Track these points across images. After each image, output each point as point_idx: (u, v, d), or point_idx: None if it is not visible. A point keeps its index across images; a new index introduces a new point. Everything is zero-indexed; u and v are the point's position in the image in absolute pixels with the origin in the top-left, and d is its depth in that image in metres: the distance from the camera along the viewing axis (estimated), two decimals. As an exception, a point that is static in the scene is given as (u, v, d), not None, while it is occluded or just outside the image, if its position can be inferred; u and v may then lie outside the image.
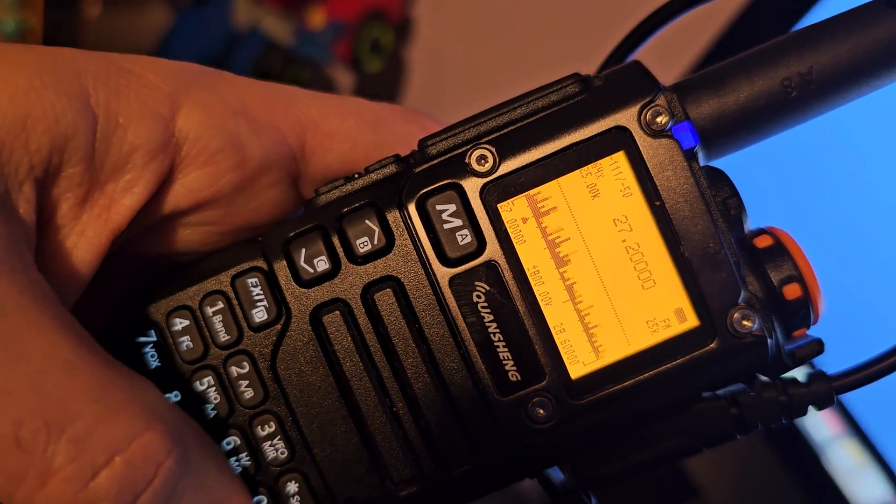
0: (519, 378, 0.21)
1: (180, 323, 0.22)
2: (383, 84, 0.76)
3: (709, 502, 0.60)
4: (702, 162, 0.21)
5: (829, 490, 0.53)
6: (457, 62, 0.74)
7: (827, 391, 0.22)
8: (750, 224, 0.22)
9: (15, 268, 0.18)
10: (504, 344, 0.21)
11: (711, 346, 0.21)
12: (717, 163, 0.22)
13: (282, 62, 0.77)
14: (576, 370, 0.21)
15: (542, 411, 0.21)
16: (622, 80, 0.21)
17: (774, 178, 0.47)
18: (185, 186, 0.22)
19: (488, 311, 0.21)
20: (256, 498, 0.22)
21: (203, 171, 0.21)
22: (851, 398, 0.53)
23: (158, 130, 0.21)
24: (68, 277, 0.20)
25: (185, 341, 0.22)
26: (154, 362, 0.22)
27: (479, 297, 0.21)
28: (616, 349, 0.21)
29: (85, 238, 0.21)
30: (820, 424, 0.55)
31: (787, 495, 0.58)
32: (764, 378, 0.22)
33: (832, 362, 0.22)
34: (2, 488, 0.18)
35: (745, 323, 0.20)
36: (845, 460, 0.53)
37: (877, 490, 0.52)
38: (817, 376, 0.22)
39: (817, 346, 0.22)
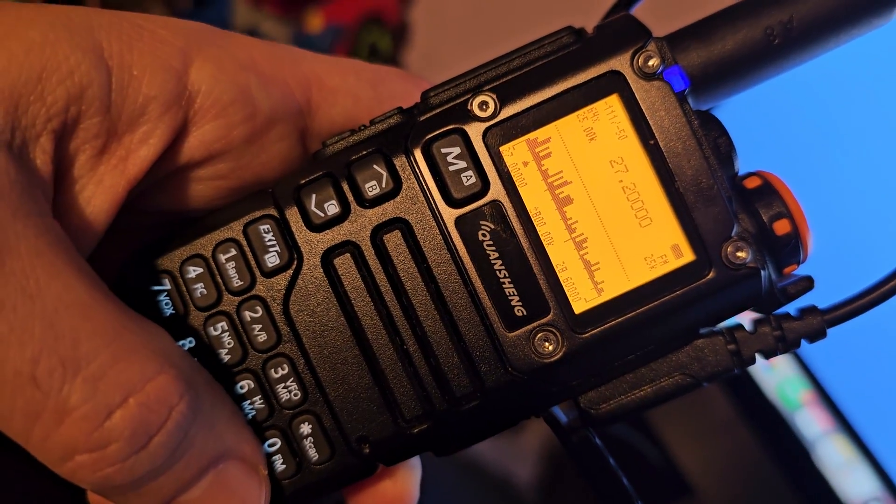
0: (525, 313, 0.22)
1: (194, 271, 0.23)
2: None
3: (700, 498, 0.61)
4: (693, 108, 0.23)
5: (819, 486, 0.55)
6: (453, 65, 0.76)
7: (819, 324, 0.23)
8: (740, 168, 0.24)
9: (30, 212, 0.19)
10: (510, 281, 0.22)
11: (708, 277, 0.22)
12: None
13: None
14: (579, 305, 0.22)
15: (548, 345, 0.22)
16: (614, 29, 0.23)
17: (762, 126, 0.49)
18: (198, 138, 0.22)
19: (493, 249, 0.22)
20: (270, 441, 0.23)
21: (215, 123, 0.22)
22: (841, 395, 0.55)
23: (172, 82, 0.21)
24: (85, 226, 0.21)
25: (199, 288, 0.23)
26: (168, 310, 0.23)
27: (484, 235, 0.22)
28: (617, 285, 0.22)
29: (102, 187, 0.21)
30: (810, 421, 0.56)
31: (778, 491, 0.58)
32: (758, 314, 0.24)
33: (822, 299, 0.24)
34: (18, 426, 0.19)
35: (739, 254, 0.22)
36: (835, 456, 0.55)
37: (866, 486, 0.53)
38: (809, 310, 0.23)
39: (807, 283, 0.23)
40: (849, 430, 0.55)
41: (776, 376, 0.59)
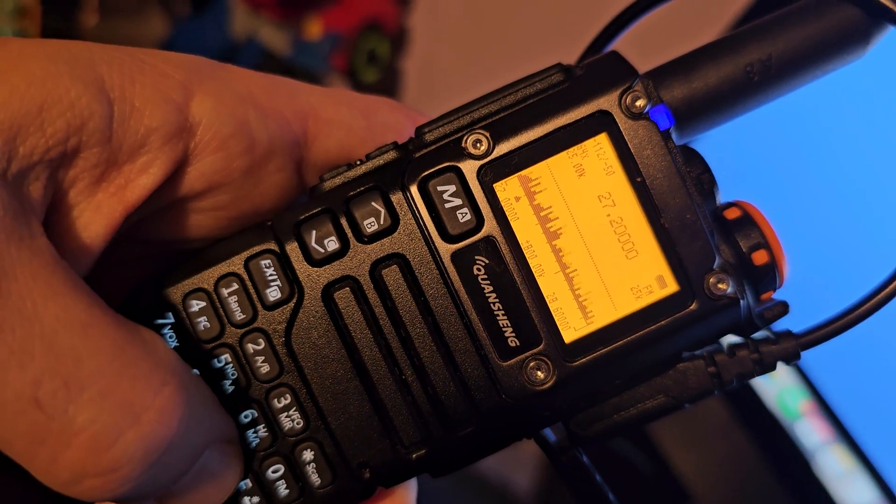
0: (518, 344, 0.24)
1: (197, 304, 0.25)
2: (379, 94, 0.79)
3: (699, 507, 0.62)
4: (676, 142, 0.25)
5: (819, 495, 0.56)
6: (451, 72, 0.77)
7: (794, 347, 0.25)
8: (721, 198, 0.25)
9: (24, 235, 0.19)
10: (503, 313, 0.24)
11: (691, 308, 0.24)
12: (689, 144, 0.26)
13: (279, 72, 0.80)
14: (569, 335, 0.24)
15: (539, 373, 0.24)
16: (602, 68, 0.24)
17: (740, 157, 0.51)
18: (199, 170, 0.23)
19: (488, 282, 0.24)
20: (273, 467, 0.25)
21: (216, 155, 0.23)
22: (841, 405, 0.56)
23: (173, 115, 0.22)
24: (82, 249, 0.22)
25: (203, 321, 0.24)
26: (173, 342, 0.24)
27: (479, 269, 0.24)
28: (604, 315, 0.24)
29: (100, 213, 0.22)
30: (810, 431, 0.58)
31: (778, 501, 0.60)
32: (736, 338, 0.26)
33: (796, 323, 0.26)
34: (21, 449, 0.19)
35: (720, 286, 0.24)
36: (835, 466, 0.57)
37: (866, 495, 0.55)
38: (784, 335, 0.25)
39: (783, 308, 0.25)
40: (848, 440, 0.56)
41: (776, 386, 0.60)
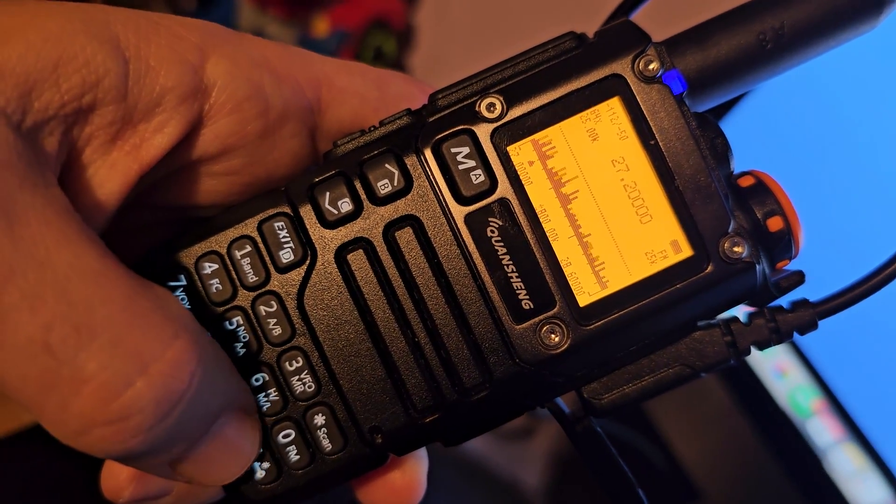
0: (532, 306, 0.24)
1: (210, 267, 0.25)
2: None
3: (711, 506, 0.62)
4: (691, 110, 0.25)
5: (830, 494, 0.56)
6: (458, 69, 0.77)
7: (811, 316, 0.25)
8: (735, 167, 0.25)
9: (37, 183, 0.19)
10: (517, 275, 0.24)
11: (706, 271, 0.24)
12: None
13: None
14: (583, 299, 0.24)
15: (554, 336, 0.24)
16: (615, 35, 0.24)
17: (756, 128, 0.50)
18: (213, 132, 0.24)
19: (501, 244, 0.24)
20: (284, 432, 0.25)
21: (230, 118, 0.24)
22: (853, 403, 0.55)
23: (188, 75, 0.22)
24: (96, 206, 0.22)
25: (215, 284, 0.25)
26: (185, 305, 0.25)
27: (492, 231, 0.24)
28: (619, 279, 0.24)
29: (115, 171, 0.22)
30: (822, 429, 0.57)
31: (789, 499, 0.59)
32: (752, 308, 0.25)
33: (812, 295, 0.25)
34: (31, 395, 0.19)
35: (735, 249, 0.24)
36: (847, 465, 0.56)
37: (878, 494, 0.54)
38: (801, 303, 0.25)
39: (799, 277, 0.25)
40: (860, 439, 0.56)
41: (788, 384, 0.60)
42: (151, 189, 0.25)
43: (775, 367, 0.60)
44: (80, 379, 0.19)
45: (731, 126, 0.26)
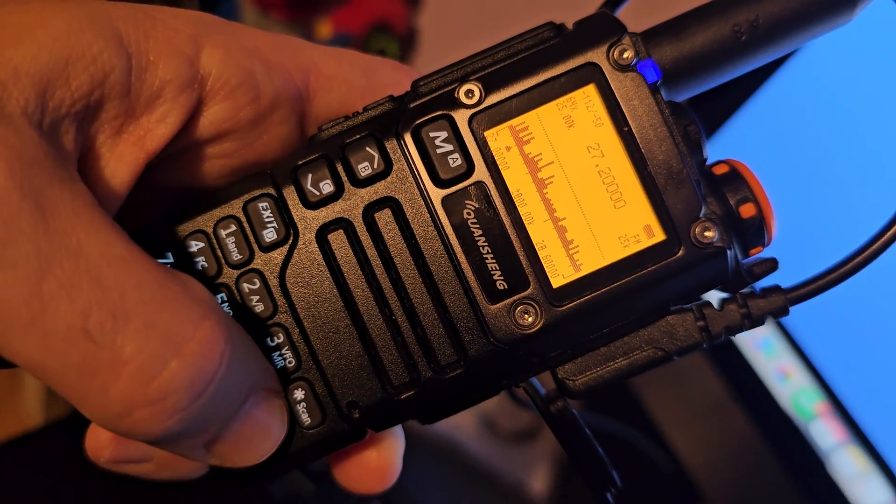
0: (506, 287, 0.24)
1: (196, 245, 0.25)
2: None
3: (711, 509, 0.61)
4: (666, 100, 0.25)
5: (833, 496, 0.55)
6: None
7: (783, 302, 0.25)
8: (709, 155, 0.25)
9: (64, 178, 0.20)
10: (492, 256, 0.24)
11: (677, 255, 0.24)
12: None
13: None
14: (557, 281, 0.24)
15: (527, 316, 0.24)
16: (591, 25, 0.25)
17: (731, 121, 0.50)
18: (209, 118, 0.25)
19: (478, 227, 0.25)
20: None
21: (224, 104, 0.24)
22: (856, 406, 0.55)
23: (185, 67, 0.23)
24: (109, 196, 0.23)
25: (201, 261, 0.25)
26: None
27: (469, 214, 0.25)
28: (592, 262, 0.24)
29: (123, 162, 0.23)
30: (825, 432, 0.57)
31: (792, 502, 0.59)
32: (725, 294, 0.25)
33: (787, 282, 0.26)
34: (73, 382, 0.19)
35: (706, 234, 0.24)
36: (850, 467, 0.55)
37: (881, 496, 0.54)
38: (772, 289, 0.25)
39: (772, 264, 0.25)
40: (863, 441, 0.55)
41: (791, 387, 0.59)
42: (147, 171, 0.25)
43: (778, 370, 0.60)
44: (119, 362, 0.19)
45: (707, 116, 0.26)
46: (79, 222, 0.20)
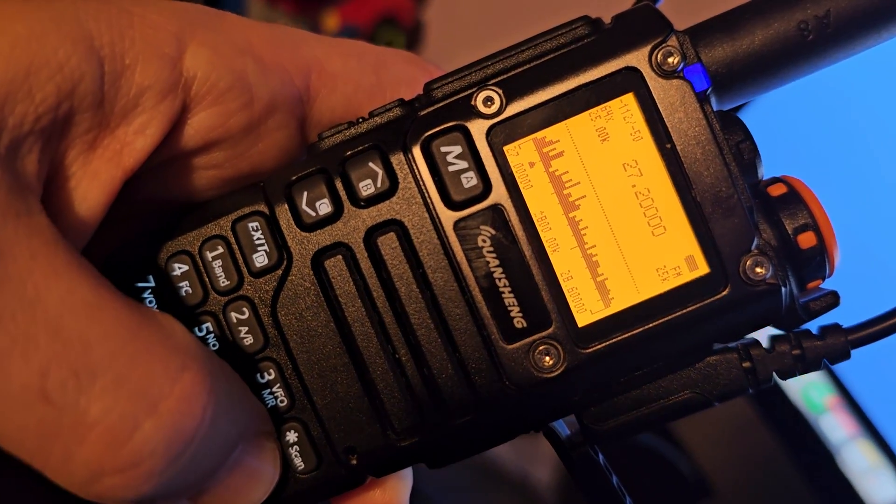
0: (525, 325, 0.21)
1: (179, 268, 0.22)
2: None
3: (721, 502, 0.59)
4: (715, 109, 0.21)
5: (843, 491, 0.54)
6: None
7: (842, 344, 0.21)
8: (764, 173, 0.22)
9: (20, 212, 0.18)
10: (510, 290, 0.21)
11: (723, 293, 0.21)
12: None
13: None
14: (583, 318, 0.21)
15: (548, 359, 0.21)
16: (633, 21, 0.21)
17: (789, 129, 0.46)
18: (194, 127, 0.21)
19: (494, 255, 0.21)
20: None
21: (212, 110, 0.21)
22: (867, 399, 0.54)
23: (166, 70, 0.20)
24: (80, 222, 0.20)
25: (185, 287, 0.22)
26: (153, 308, 0.22)
27: (484, 241, 0.21)
28: (624, 297, 0.21)
29: (98, 182, 0.20)
30: (835, 425, 0.55)
31: (802, 496, 0.57)
32: (777, 331, 0.22)
33: (847, 318, 0.22)
34: (34, 451, 0.17)
35: (758, 270, 0.20)
36: (860, 461, 0.54)
37: (891, 490, 0.52)
38: (832, 329, 0.22)
39: (833, 299, 0.21)
40: (874, 435, 0.54)
41: (801, 380, 0.58)
42: (128, 183, 0.22)
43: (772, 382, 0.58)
44: (83, 425, 0.17)
45: (762, 122, 0.22)
46: (36, 266, 0.17)
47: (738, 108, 0.22)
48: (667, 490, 0.61)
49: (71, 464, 0.17)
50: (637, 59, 0.21)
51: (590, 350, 0.21)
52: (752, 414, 0.60)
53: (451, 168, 0.21)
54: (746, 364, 0.21)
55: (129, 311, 0.18)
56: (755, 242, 0.20)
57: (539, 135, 0.21)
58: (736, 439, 0.61)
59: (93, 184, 0.20)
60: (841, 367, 0.55)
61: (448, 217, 0.21)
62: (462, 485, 0.60)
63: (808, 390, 0.57)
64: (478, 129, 0.21)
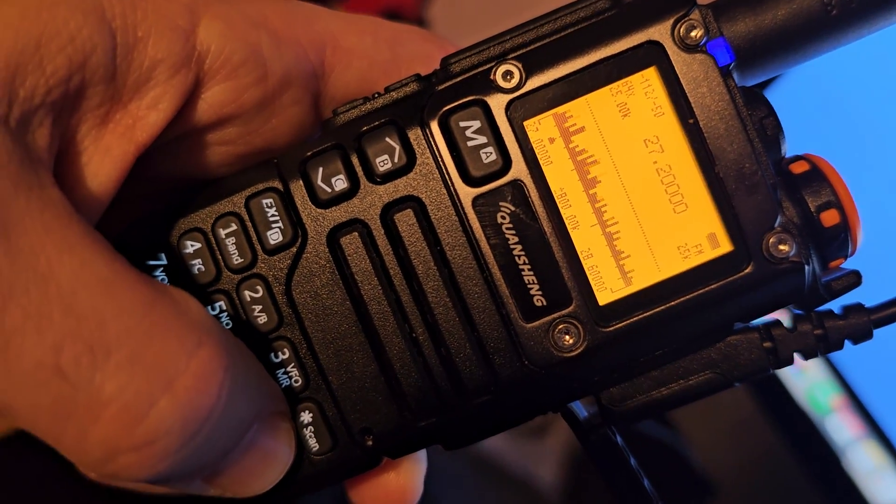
0: (544, 303, 0.20)
1: (192, 246, 0.22)
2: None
3: (726, 502, 0.58)
4: (737, 84, 0.21)
5: (849, 492, 0.53)
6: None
7: (865, 324, 0.21)
8: (787, 150, 0.21)
9: (33, 185, 0.17)
10: (529, 267, 0.20)
11: (746, 271, 0.20)
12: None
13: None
14: (604, 296, 0.20)
15: (568, 338, 0.20)
16: None
17: (814, 106, 0.45)
18: (207, 101, 0.21)
19: (513, 232, 0.20)
20: None
21: (225, 85, 0.21)
22: (872, 400, 0.53)
23: (179, 43, 0.20)
24: (92, 197, 0.20)
25: (197, 264, 0.22)
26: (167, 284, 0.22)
27: (503, 217, 0.20)
28: (646, 275, 0.20)
29: (110, 157, 0.20)
30: (841, 426, 0.55)
31: (807, 497, 0.57)
32: (798, 311, 0.21)
33: (869, 298, 0.21)
34: (46, 425, 0.17)
35: (781, 247, 0.20)
36: (866, 462, 0.53)
37: (897, 492, 0.51)
38: (854, 308, 0.21)
39: (855, 278, 0.21)
40: (880, 436, 0.53)
41: (806, 380, 0.57)
42: (140, 160, 0.22)
43: (794, 363, 0.57)
44: (98, 403, 0.17)
45: (785, 99, 0.22)
46: (49, 240, 0.17)
47: (764, 85, 0.22)
48: (668, 488, 0.60)
49: (85, 442, 0.17)
50: (659, 32, 0.20)
51: (610, 329, 0.20)
52: (758, 414, 0.59)
53: (469, 143, 0.20)
54: (767, 344, 0.21)
55: (144, 287, 0.18)
56: (779, 220, 0.20)
57: (559, 110, 0.20)
58: (741, 439, 0.61)
59: (105, 159, 0.20)
60: (847, 367, 0.54)
61: (466, 193, 0.21)
62: (466, 484, 0.59)
63: (814, 391, 0.56)
64: (497, 103, 0.20)
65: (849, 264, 0.21)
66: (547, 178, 0.20)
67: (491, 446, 0.62)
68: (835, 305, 0.21)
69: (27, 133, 0.18)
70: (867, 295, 0.22)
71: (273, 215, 0.21)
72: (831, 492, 0.54)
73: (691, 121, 0.20)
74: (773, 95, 0.22)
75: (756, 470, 0.60)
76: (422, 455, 0.24)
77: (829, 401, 0.55)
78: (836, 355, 0.54)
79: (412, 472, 0.23)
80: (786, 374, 0.57)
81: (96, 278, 0.17)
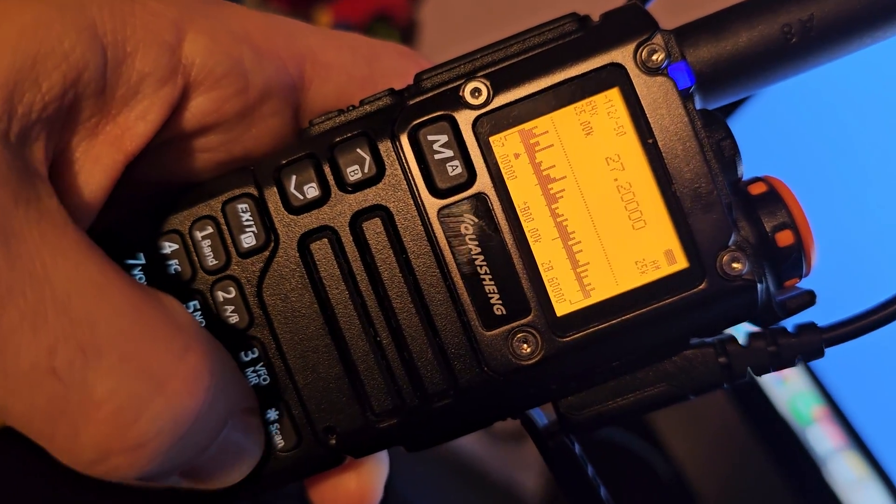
0: (504, 312, 0.20)
1: (169, 246, 0.22)
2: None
3: (707, 514, 0.58)
4: (698, 107, 0.21)
5: (830, 502, 0.52)
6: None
7: (817, 342, 0.21)
8: (745, 173, 0.21)
9: (31, 196, 0.18)
10: (490, 277, 0.21)
11: (700, 287, 0.20)
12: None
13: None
14: (562, 308, 0.20)
15: (526, 346, 0.20)
16: (620, 19, 0.21)
17: (777, 129, 0.45)
18: (192, 111, 0.21)
19: (476, 243, 0.21)
20: None
21: (208, 95, 0.21)
22: (854, 411, 0.52)
23: (166, 57, 0.20)
24: (84, 204, 0.20)
25: (174, 264, 0.22)
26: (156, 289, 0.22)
27: (467, 228, 0.21)
28: (603, 289, 0.20)
29: (100, 166, 0.20)
30: (822, 437, 0.54)
31: None
32: (753, 328, 0.21)
33: (823, 317, 0.21)
34: (40, 426, 0.17)
35: (734, 266, 0.20)
36: (847, 473, 0.52)
37: (878, 503, 0.50)
38: (807, 327, 0.21)
39: (809, 298, 0.21)
40: (861, 447, 0.52)
41: (788, 391, 0.56)
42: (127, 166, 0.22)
43: (776, 373, 0.56)
44: (90, 403, 0.17)
45: (744, 124, 0.22)
46: (45, 246, 0.17)
47: (734, 107, 0.22)
48: (650, 499, 0.60)
49: (77, 443, 0.17)
50: (622, 55, 0.20)
51: (567, 339, 0.20)
52: (740, 424, 0.59)
53: (436, 156, 0.21)
54: (722, 359, 0.21)
55: (135, 292, 0.18)
56: (732, 238, 0.20)
57: (524, 127, 0.21)
58: (722, 449, 0.60)
59: (95, 168, 0.20)
60: (829, 378, 0.54)
61: (432, 204, 0.21)
62: (446, 489, 0.59)
63: (796, 401, 0.56)
64: (465, 119, 0.21)
65: (804, 284, 0.21)
66: (510, 191, 0.21)
67: (473, 452, 0.62)
68: (789, 324, 0.21)
69: (25, 147, 0.18)
70: (824, 313, 0.22)
71: (248, 220, 0.22)
72: (812, 502, 0.54)
73: (650, 141, 0.20)
74: (744, 117, 0.22)
75: (737, 480, 0.59)
76: (383, 460, 0.24)
77: (810, 411, 0.54)
78: (818, 366, 0.54)
79: (372, 474, 0.24)
80: (768, 384, 0.56)
81: (89, 283, 0.17)
